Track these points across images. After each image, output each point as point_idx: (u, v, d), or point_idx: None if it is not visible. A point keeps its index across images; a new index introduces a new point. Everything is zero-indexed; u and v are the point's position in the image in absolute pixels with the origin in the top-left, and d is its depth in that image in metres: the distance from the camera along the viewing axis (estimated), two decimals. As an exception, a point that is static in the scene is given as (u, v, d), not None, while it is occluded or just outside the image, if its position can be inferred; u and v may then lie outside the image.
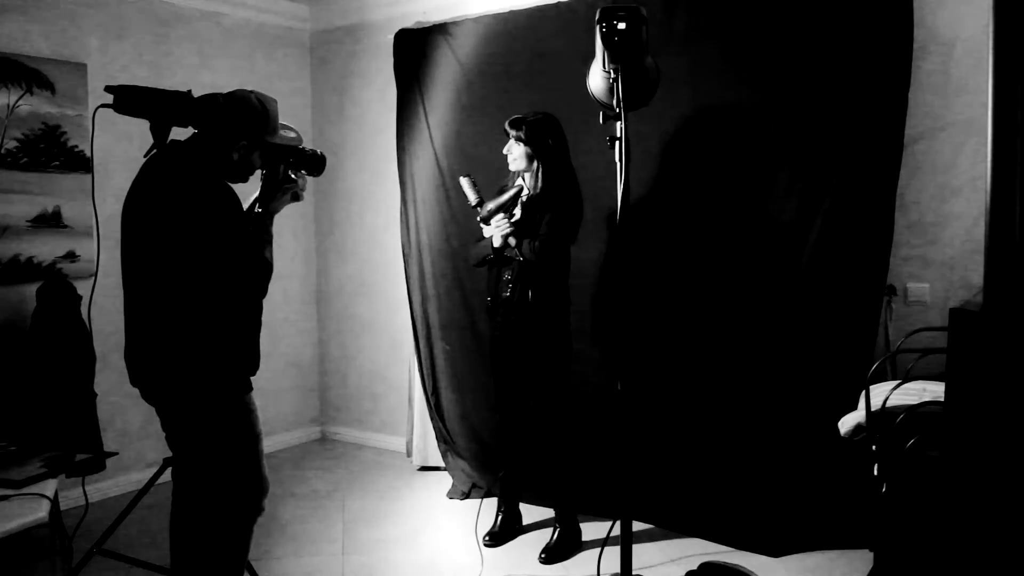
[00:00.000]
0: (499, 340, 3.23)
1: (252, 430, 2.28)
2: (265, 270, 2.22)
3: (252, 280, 2.19)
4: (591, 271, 3.47)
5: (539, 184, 3.09)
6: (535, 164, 3.09)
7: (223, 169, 2.22)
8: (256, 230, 2.25)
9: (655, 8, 3.12)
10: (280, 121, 2.31)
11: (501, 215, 3.07)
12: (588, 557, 3.14)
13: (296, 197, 2.36)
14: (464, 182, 3.18)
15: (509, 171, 3.19)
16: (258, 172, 2.35)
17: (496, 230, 3.07)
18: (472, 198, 3.14)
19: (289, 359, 4.78)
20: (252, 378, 2.30)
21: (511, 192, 3.10)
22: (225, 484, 2.27)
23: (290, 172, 2.33)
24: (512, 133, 3.09)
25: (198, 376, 2.19)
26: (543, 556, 3.15)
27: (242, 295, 2.21)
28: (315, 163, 2.43)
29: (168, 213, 2.12)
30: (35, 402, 3.31)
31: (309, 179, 2.45)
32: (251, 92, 2.25)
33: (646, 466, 3.35)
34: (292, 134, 2.37)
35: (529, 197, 3.10)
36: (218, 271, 2.12)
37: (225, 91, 2.73)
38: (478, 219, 3.14)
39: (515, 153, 3.10)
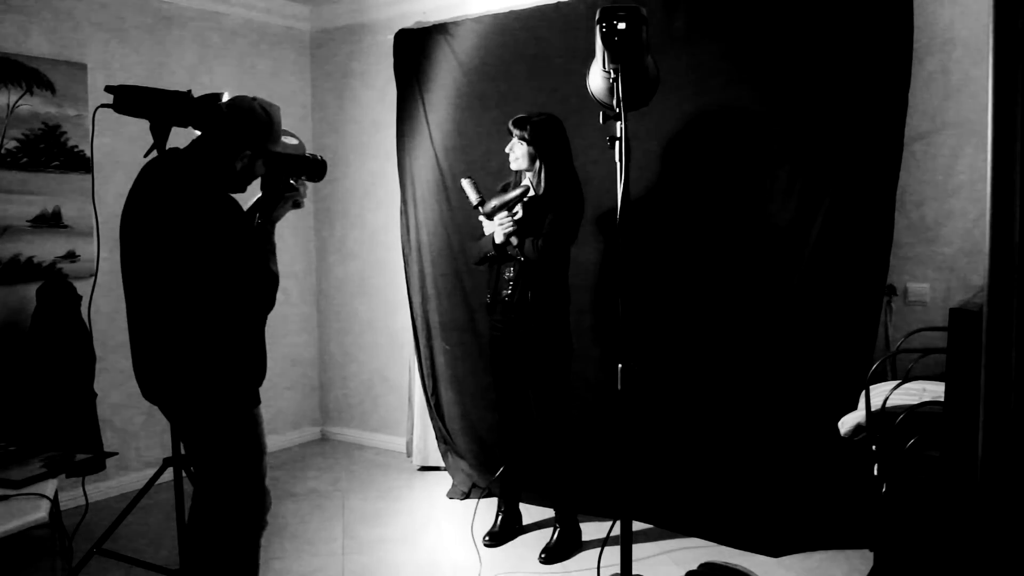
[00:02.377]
0: (498, 339, 3.23)
1: (258, 444, 2.26)
2: (272, 281, 2.17)
3: (259, 293, 2.14)
4: (591, 271, 3.47)
5: (541, 184, 3.08)
6: (537, 164, 3.08)
7: (224, 178, 2.16)
8: (259, 240, 2.20)
9: (655, 8, 3.12)
10: (282, 128, 2.27)
11: (505, 212, 3.06)
12: (588, 557, 3.14)
13: (297, 204, 2.31)
14: (466, 183, 3.18)
15: (510, 171, 3.18)
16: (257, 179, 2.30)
17: (499, 227, 3.06)
18: (474, 198, 3.13)
19: (289, 359, 4.78)
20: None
21: (518, 191, 3.08)
22: (229, 497, 2.24)
23: (291, 179, 2.28)
24: (516, 132, 3.08)
25: (206, 388, 2.15)
26: (543, 556, 3.15)
27: (249, 308, 2.16)
28: (316, 169, 2.37)
29: (170, 224, 2.07)
30: (35, 402, 3.31)
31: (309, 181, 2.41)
32: (254, 100, 2.20)
33: (646, 466, 3.35)
34: (294, 141, 2.32)
35: (532, 197, 3.09)
36: (223, 283, 2.08)
37: (225, 92, 2.74)
38: (481, 214, 3.13)
39: (517, 152, 3.09)
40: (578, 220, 3.10)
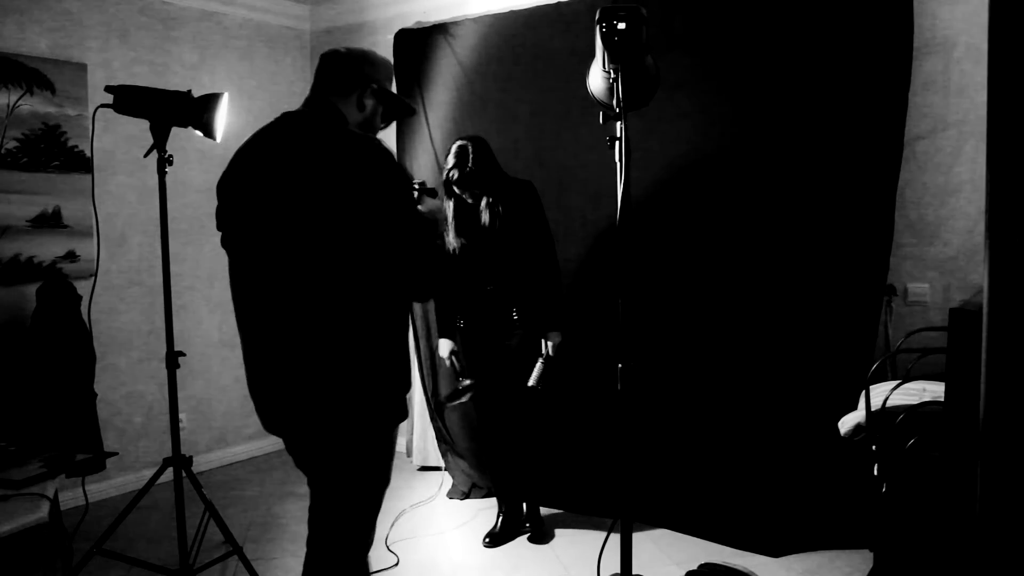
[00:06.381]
0: (482, 353, 3.24)
1: (386, 475, 1.98)
2: (436, 261, 1.88)
3: (424, 270, 1.81)
4: (590, 271, 3.46)
5: (499, 211, 3.05)
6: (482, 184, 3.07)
7: (358, 125, 1.94)
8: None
9: (655, 8, 3.12)
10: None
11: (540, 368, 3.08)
12: (588, 557, 3.13)
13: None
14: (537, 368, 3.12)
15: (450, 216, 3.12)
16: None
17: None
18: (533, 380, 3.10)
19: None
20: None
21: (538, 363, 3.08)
22: (338, 531, 1.96)
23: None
24: (466, 195, 3.04)
25: (353, 395, 1.79)
26: (487, 540, 3.26)
27: (411, 286, 1.82)
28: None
29: (327, 183, 1.72)
30: (35, 402, 3.31)
31: None
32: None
33: (646, 466, 3.35)
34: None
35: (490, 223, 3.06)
36: (386, 250, 1.73)
37: (224, 92, 2.74)
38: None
39: (473, 194, 3.05)
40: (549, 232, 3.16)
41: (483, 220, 3.06)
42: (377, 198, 1.73)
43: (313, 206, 1.72)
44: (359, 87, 1.94)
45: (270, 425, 1.94)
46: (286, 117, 1.90)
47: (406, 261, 1.77)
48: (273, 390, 1.86)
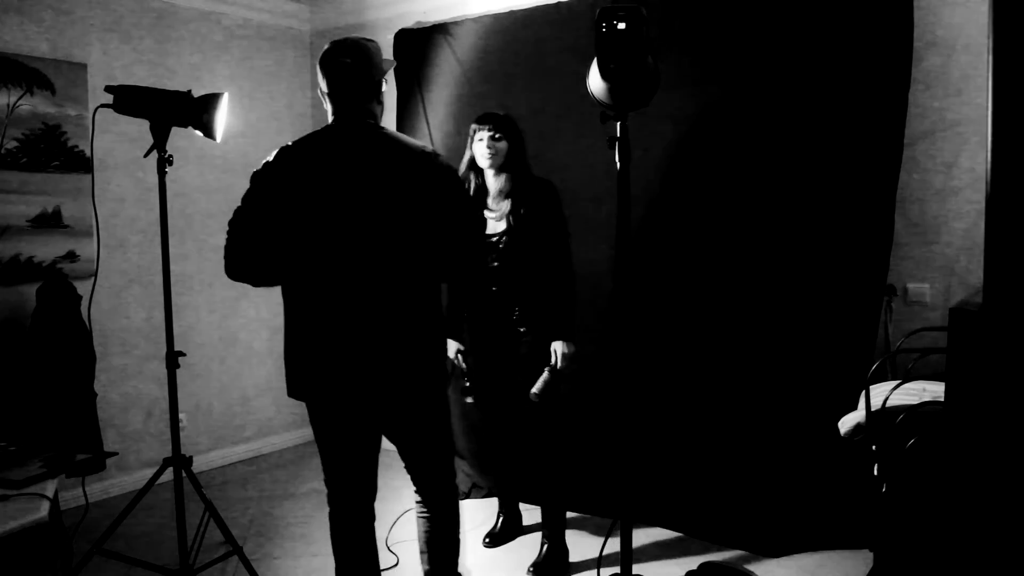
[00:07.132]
0: (489, 352, 3.17)
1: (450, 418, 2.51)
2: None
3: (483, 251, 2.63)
4: (590, 270, 3.46)
5: (510, 184, 2.97)
6: (507, 162, 2.98)
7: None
8: None
9: (655, 8, 3.12)
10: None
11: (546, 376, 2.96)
12: (586, 558, 3.13)
13: None
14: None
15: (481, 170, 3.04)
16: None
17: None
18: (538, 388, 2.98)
19: (289, 359, 4.78)
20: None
21: (544, 376, 2.95)
22: (438, 463, 2.58)
23: None
24: (488, 129, 2.93)
25: (436, 359, 2.27)
26: (531, 570, 3.05)
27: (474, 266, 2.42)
28: None
29: (420, 180, 2.13)
30: (35, 402, 3.31)
31: None
32: (350, 39, 2.27)
33: (646, 466, 3.35)
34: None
35: (509, 230, 2.97)
36: (464, 241, 2.21)
37: (225, 92, 2.74)
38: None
39: (497, 148, 2.94)
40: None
41: (490, 171, 2.99)
42: (458, 201, 2.21)
43: (407, 209, 2.10)
44: (377, 86, 2.22)
45: (352, 385, 2.29)
46: (346, 129, 2.15)
47: (473, 249, 2.25)
48: (363, 364, 2.20)
